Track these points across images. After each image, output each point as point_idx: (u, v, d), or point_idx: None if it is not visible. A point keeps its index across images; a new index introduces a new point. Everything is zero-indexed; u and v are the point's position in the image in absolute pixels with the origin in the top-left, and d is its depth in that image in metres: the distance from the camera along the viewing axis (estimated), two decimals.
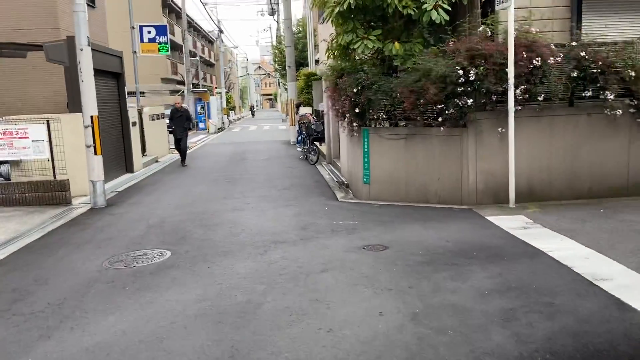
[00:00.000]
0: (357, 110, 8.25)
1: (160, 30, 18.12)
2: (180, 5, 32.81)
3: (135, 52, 17.37)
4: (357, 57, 8.74)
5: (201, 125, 30.96)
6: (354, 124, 8.50)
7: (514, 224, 6.23)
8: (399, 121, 8.03)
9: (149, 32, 17.87)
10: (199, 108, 31.05)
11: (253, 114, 57.60)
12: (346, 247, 5.60)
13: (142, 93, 34.36)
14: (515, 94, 6.92)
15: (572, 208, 6.93)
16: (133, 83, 17.79)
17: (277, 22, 38.19)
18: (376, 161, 8.34)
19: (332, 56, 9.33)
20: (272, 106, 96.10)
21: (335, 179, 10.90)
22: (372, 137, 8.34)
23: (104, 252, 5.94)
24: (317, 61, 19.72)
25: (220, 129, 32.02)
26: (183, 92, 35.14)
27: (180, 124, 14.08)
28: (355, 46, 7.93)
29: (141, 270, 5.17)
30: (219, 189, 10.14)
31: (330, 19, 8.39)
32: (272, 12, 41.16)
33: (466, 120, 7.25)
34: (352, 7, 7.73)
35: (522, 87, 6.94)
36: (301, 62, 28.70)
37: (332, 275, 4.74)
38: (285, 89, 27.31)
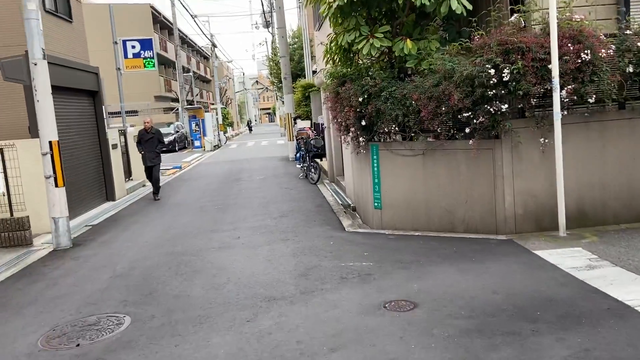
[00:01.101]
0: (363, 123, 6.94)
1: (145, 44, 16.89)
2: (172, 20, 31.77)
3: (119, 68, 16.14)
4: (360, 61, 7.45)
5: (196, 143, 29.69)
6: (360, 139, 7.17)
7: (574, 261, 4.86)
8: (415, 134, 6.71)
9: (133, 46, 16.64)
10: (193, 125, 29.82)
11: (250, 130, 55.61)
12: (361, 306, 4.23)
13: (134, 112, 33.34)
14: (560, 95, 5.60)
15: (638, 235, 5.56)
16: (118, 102, 16.54)
17: (272, 34, 37.11)
18: (388, 182, 7.00)
19: (331, 61, 8.04)
20: (271, 120, 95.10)
21: (340, 201, 9.56)
22: (383, 153, 7.01)
23: (47, 318, 4.58)
24: (314, 72, 18.52)
25: (217, 147, 30.74)
26: (177, 109, 34.03)
27: (151, 148, 11.24)
28: (359, 46, 6.63)
29: (84, 353, 3.81)
30: (207, 218, 8.79)
31: (328, 17, 7.11)
32: (267, 24, 40.15)
33: (499, 130, 5.92)
34: (354, 0, 6.46)
35: (569, 87, 5.62)
36: (298, 73, 27.54)
37: (345, 358, 3.37)
38: (283, 102, 26.14)
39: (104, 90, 11.71)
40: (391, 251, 5.80)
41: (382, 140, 7.01)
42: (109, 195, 11.61)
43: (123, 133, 14.03)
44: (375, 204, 7.22)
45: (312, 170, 12.30)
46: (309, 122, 15.90)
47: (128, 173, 14.12)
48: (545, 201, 6.02)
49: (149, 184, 14.84)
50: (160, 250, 6.75)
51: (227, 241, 6.97)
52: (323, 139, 12.97)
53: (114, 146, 11.98)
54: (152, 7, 34.11)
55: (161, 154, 11.64)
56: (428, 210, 6.68)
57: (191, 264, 5.97)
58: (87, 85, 11.09)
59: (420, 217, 6.74)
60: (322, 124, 13.26)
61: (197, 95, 39.78)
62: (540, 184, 6.03)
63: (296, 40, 30.60)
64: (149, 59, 16.86)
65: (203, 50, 51.68)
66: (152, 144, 11.26)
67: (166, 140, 28.65)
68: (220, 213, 9.18)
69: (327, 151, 12.58)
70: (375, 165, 7.15)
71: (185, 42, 47.23)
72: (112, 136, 11.97)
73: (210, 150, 28.44)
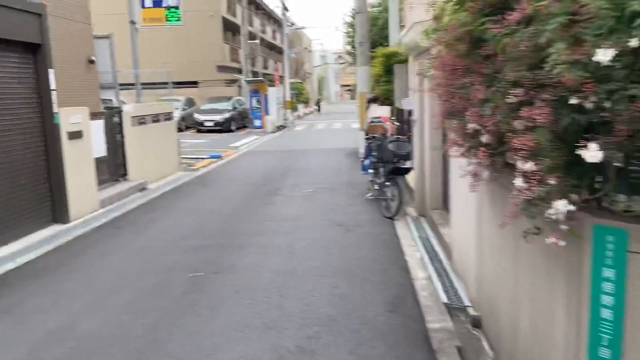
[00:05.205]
0: (590, 155, 1.74)
1: None
2: None
3: (133, 21, 11.75)
4: None
5: (257, 122, 25.28)
6: (561, 205, 1.95)
7: None
8: None
9: None
10: (254, 102, 25.42)
11: (319, 110, 49.81)
12: None
13: (195, 83, 29.51)
14: None
15: None
16: (136, 68, 12.22)
17: None
18: None
19: None
20: (353, 97, 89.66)
21: (443, 290, 4.45)
22: None
23: None
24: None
25: (281, 127, 26.23)
26: (240, 82, 29.87)
27: None
28: None
29: None
30: (138, 331, 4.04)
31: None
32: None
33: None
34: None
35: None
36: (381, 42, 22.06)
37: None
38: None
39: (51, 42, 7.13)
40: None
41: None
42: (58, 215, 7.23)
43: (115, 113, 9.67)
44: None
45: (390, 194, 7.16)
46: (388, 108, 10.55)
47: (122, 170, 9.81)
48: None
49: (159, 182, 10.58)
50: None
51: None
52: (409, 139, 7.74)
53: (74, 134, 7.51)
54: None
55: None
56: None
57: None
58: (18, 34, 6.64)
59: None
60: (410, 112, 7.99)
61: (264, 67, 35.37)
62: None
63: (380, 2, 25.03)
64: (173, 10, 12.33)
65: (279, 17, 47.05)
66: None
67: (221, 117, 24.52)
68: (180, 306, 4.35)
69: (416, 160, 7.38)
70: (612, 289, 1.95)
71: (261, 8, 43.01)
72: (70, 119, 7.49)
73: (272, 132, 23.95)
